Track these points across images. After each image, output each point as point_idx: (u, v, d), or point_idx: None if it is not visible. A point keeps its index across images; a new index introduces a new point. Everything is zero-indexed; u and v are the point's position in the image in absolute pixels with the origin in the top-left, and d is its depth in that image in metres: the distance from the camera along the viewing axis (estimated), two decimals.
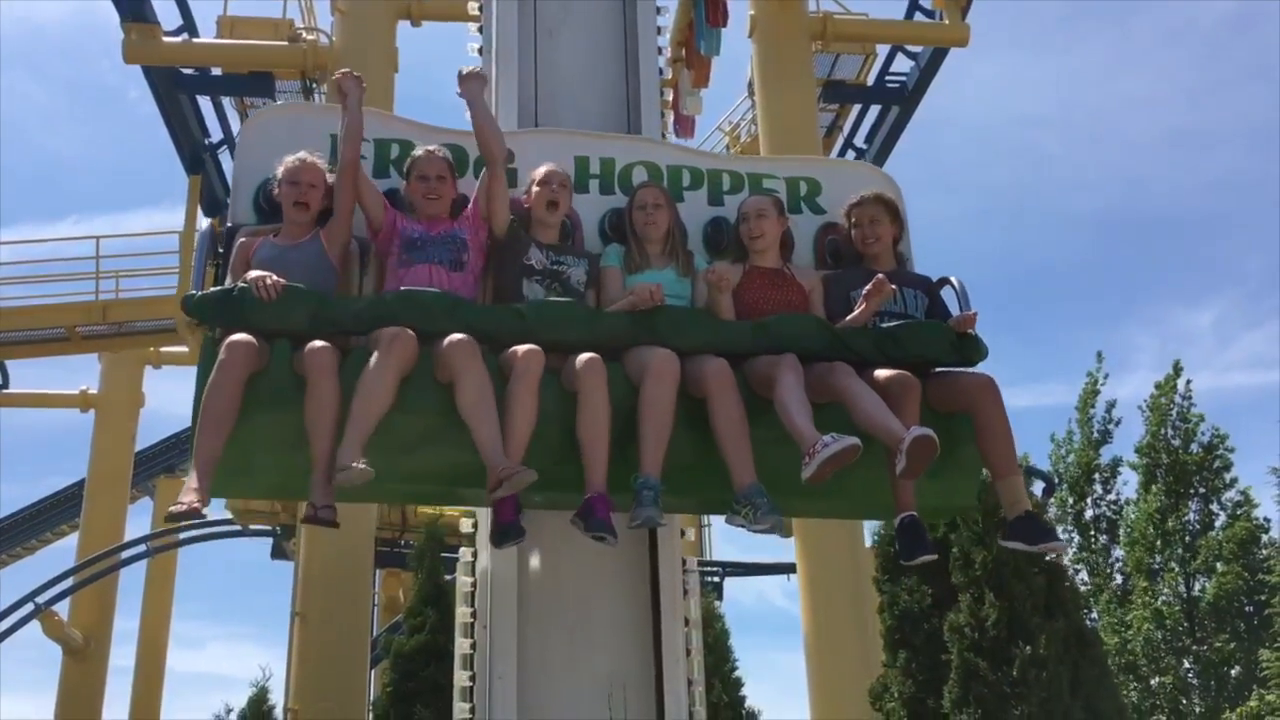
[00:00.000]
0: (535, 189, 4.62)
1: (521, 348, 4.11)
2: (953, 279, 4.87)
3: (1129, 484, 18.94)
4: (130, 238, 18.09)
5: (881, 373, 4.28)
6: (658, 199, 4.72)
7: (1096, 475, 19.07)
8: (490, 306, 4.46)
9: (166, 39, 13.03)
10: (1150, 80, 59.31)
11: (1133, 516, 18.40)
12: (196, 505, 3.79)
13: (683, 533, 4.97)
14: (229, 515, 17.72)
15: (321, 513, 3.96)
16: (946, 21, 14.15)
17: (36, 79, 60.67)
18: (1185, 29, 56.73)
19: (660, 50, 5.67)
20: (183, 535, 19.70)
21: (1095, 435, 19.12)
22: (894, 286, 4.63)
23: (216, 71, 13.86)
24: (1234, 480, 17.80)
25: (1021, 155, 63.17)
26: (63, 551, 22.10)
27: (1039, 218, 61.28)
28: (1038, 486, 17.64)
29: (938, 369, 4.53)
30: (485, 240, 4.57)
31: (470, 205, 4.59)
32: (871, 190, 4.97)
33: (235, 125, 14.82)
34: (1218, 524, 17.80)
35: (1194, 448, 18.15)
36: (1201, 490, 18.05)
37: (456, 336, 4.06)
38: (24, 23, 56.41)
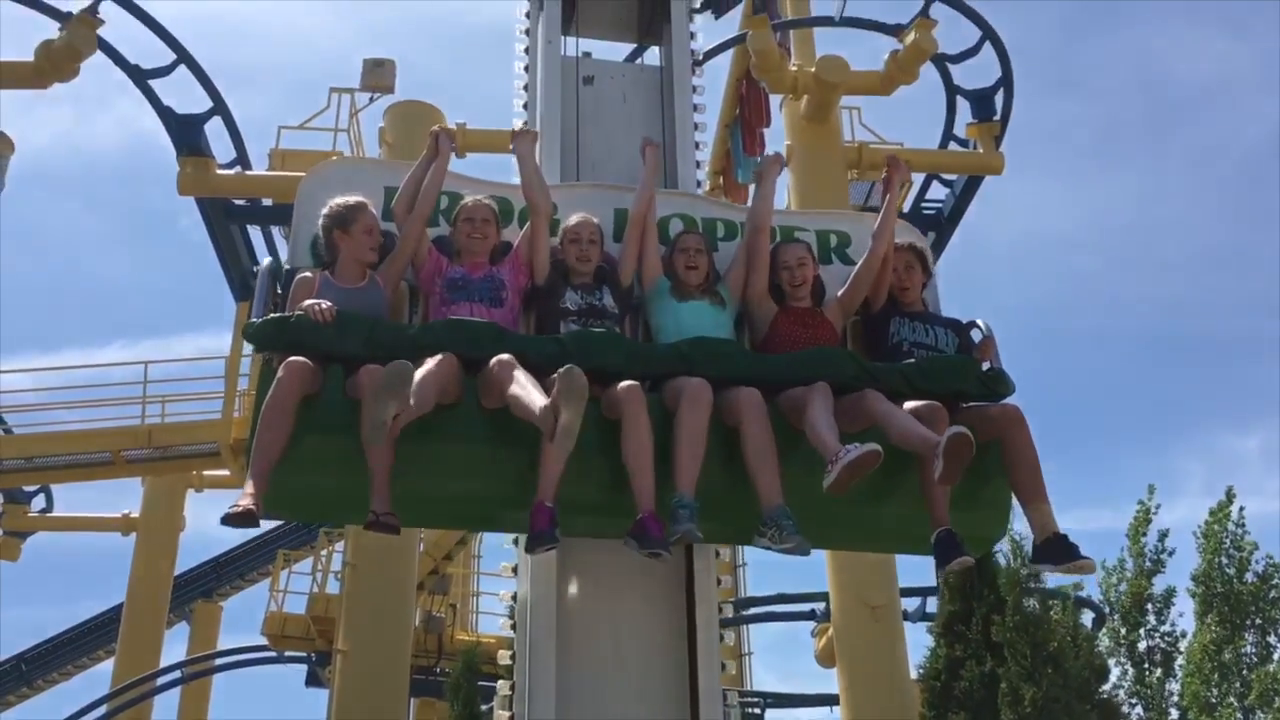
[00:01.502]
0: (568, 245, 4.93)
1: (561, 371, 4.16)
2: (980, 321, 5.12)
3: (1184, 615, 18.46)
4: (177, 363, 18.48)
5: (910, 404, 4.42)
6: (699, 245, 5.03)
7: (1149, 605, 18.59)
8: (532, 336, 4.72)
9: (220, 171, 13.46)
10: (1186, 202, 59.61)
11: (1188, 647, 17.88)
12: (252, 508, 3.96)
13: (723, 666, 4.87)
14: (264, 641, 17.58)
15: (384, 518, 4.12)
16: (981, 150, 14.35)
17: (89, 206, 62.71)
18: (1220, 151, 57.19)
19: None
20: (218, 662, 19.57)
21: (1148, 565, 18.71)
22: (907, 164, 5.20)
23: (267, 202, 14.29)
24: None
25: (1059, 278, 63.30)
26: (99, 677, 21.98)
27: (1079, 340, 61.07)
28: (1088, 617, 17.20)
29: (966, 405, 4.65)
30: (525, 285, 4.88)
31: (513, 251, 4.92)
32: (905, 239, 5.26)
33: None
34: (1276, 656, 17.25)
35: (1249, 577, 17.71)
36: (1258, 621, 17.54)
37: (501, 356, 4.25)
38: (78, 151, 58.59)
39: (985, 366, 4.86)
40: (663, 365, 4.55)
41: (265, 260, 4.90)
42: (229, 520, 3.99)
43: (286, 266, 4.86)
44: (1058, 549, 4.30)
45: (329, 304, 4.35)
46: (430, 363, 4.19)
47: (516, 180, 5.06)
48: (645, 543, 4.08)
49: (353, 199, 4.78)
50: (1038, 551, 4.38)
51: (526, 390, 4.09)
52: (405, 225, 4.83)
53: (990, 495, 4.60)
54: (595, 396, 4.29)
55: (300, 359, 4.21)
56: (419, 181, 4.90)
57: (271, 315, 4.48)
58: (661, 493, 4.18)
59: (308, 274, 4.67)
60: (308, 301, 4.38)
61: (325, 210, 4.76)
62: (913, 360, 4.76)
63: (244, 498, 4.00)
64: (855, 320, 5.18)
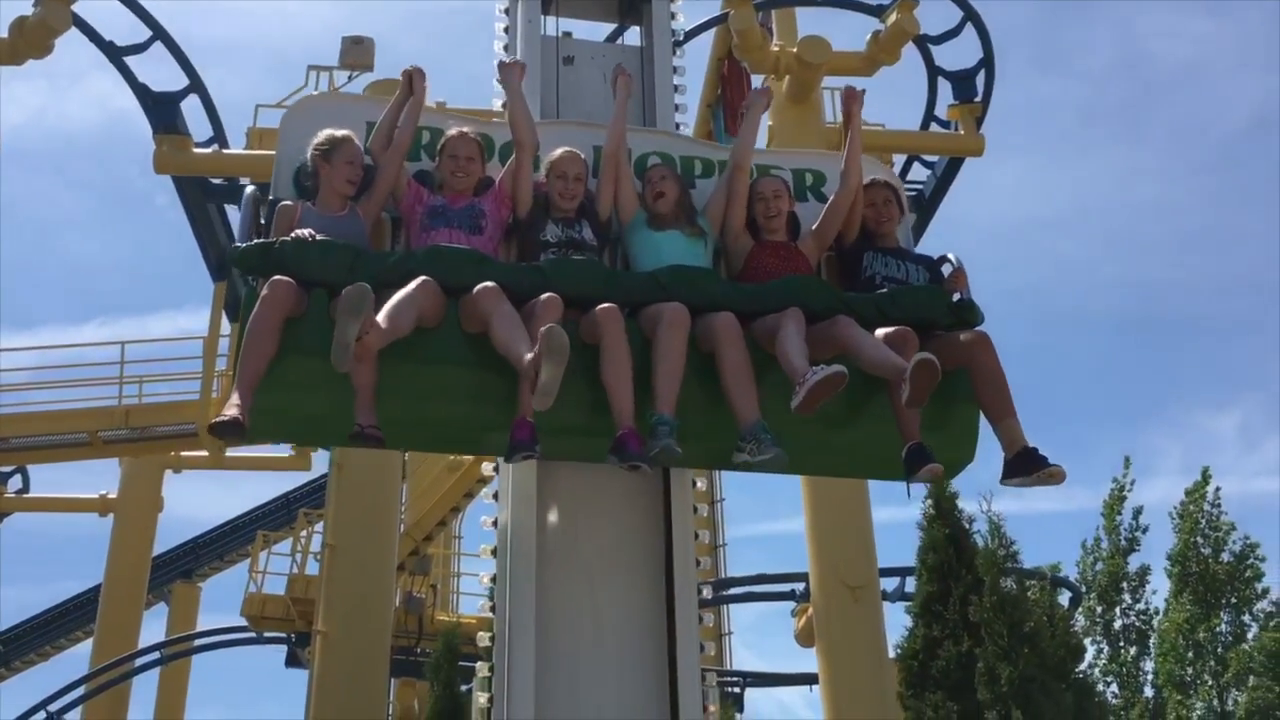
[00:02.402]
0: (554, 179, 5.00)
1: (541, 296, 4.37)
2: (951, 255, 5.21)
3: (1158, 593, 18.62)
4: (154, 343, 18.39)
5: (881, 330, 4.54)
6: (663, 174, 5.13)
7: (1125, 584, 18.75)
8: (513, 264, 4.80)
9: (197, 150, 13.32)
10: (1165, 184, 59.89)
11: (1162, 626, 18.04)
12: (239, 418, 4.03)
13: (701, 647, 4.89)
14: (243, 622, 17.53)
15: (368, 430, 4.23)
16: (962, 132, 14.33)
17: (66, 184, 62.12)
18: (1200, 134, 57.42)
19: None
20: (197, 643, 19.50)
21: (1123, 543, 18.85)
22: (862, 90, 5.39)
23: (245, 181, 14.16)
24: (1266, 590, 17.48)
25: (1039, 259, 63.57)
26: (77, 658, 21.91)
27: (1058, 321, 61.37)
28: (1064, 596, 17.32)
29: (937, 332, 4.76)
30: (506, 216, 4.97)
31: (496, 184, 5.00)
32: (882, 176, 5.42)
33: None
34: (1250, 635, 17.42)
35: (1225, 556, 17.87)
36: (1233, 600, 17.71)
37: (484, 284, 4.36)
38: (55, 130, 57.94)
39: (956, 297, 4.98)
40: (640, 293, 4.64)
41: (249, 188, 4.99)
42: (216, 429, 4.08)
43: (270, 197, 4.93)
44: (1027, 461, 4.41)
45: (310, 230, 4.48)
46: (410, 285, 4.29)
47: (495, 116, 5.15)
48: (625, 456, 4.21)
49: (340, 132, 4.89)
50: (1008, 466, 4.48)
51: (510, 333, 4.19)
52: (383, 160, 4.93)
53: (959, 420, 4.73)
54: (574, 321, 4.42)
55: (284, 278, 4.29)
56: (395, 119, 5.01)
57: (256, 240, 4.55)
58: (642, 416, 4.29)
59: (288, 203, 4.77)
60: (296, 232, 4.50)
61: (315, 141, 4.88)
62: (884, 290, 4.89)
63: (230, 408, 4.07)
64: (830, 255, 5.30)
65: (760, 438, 4.21)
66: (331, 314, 4.27)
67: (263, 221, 4.82)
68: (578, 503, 5.00)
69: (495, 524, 5.12)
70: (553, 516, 4.96)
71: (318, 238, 4.46)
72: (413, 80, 5.05)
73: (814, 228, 5.22)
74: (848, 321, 4.55)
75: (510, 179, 4.97)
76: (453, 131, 5.05)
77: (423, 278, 4.34)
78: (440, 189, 4.96)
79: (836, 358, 4.33)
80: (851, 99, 5.42)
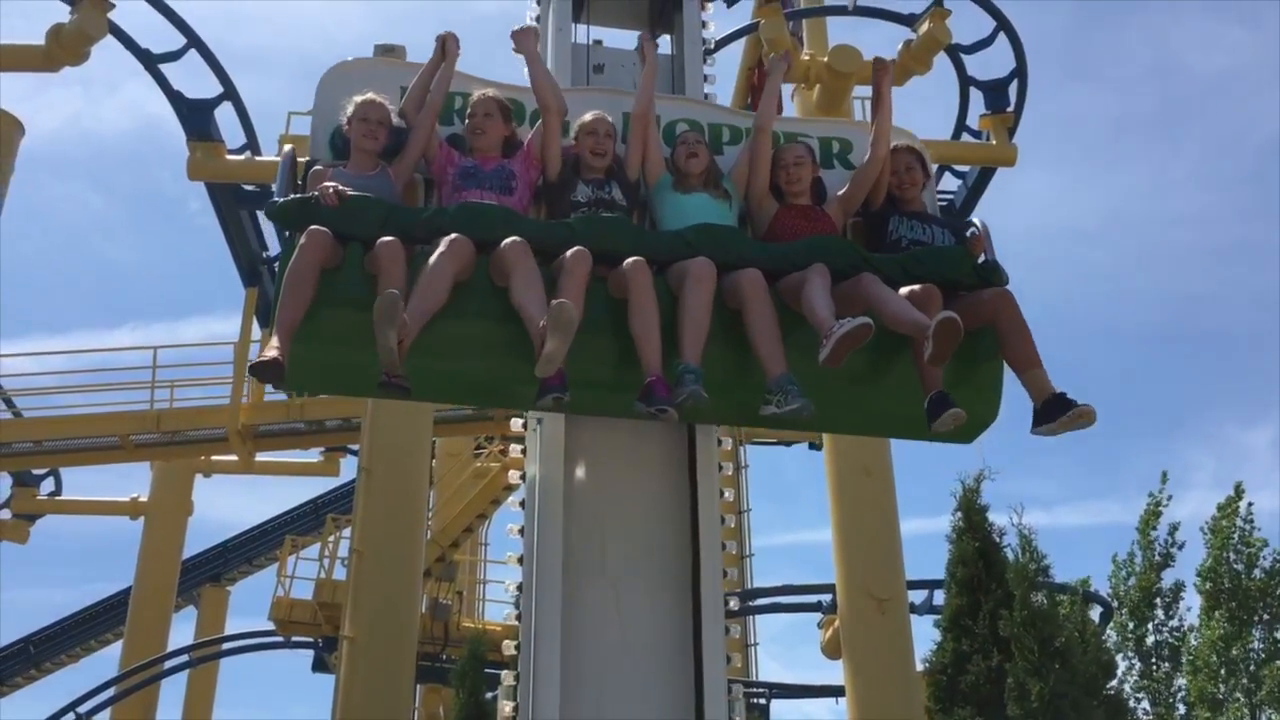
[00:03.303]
0: (584, 137, 5.08)
1: (570, 250, 4.43)
2: (976, 221, 5.26)
3: (1192, 609, 18.39)
4: (185, 348, 18.53)
5: (905, 289, 4.56)
6: (699, 139, 5.21)
7: (1158, 600, 18.51)
8: (542, 221, 4.89)
9: (230, 156, 13.43)
10: (1198, 195, 59.34)
11: (1195, 643, 17.82)
12: (279, 359, 4.15)
13: (728, 659, 4.86)
14: (271, 626, 17.62)
15: (395, 380, 4.22)
16: (994, 142, 14.23)
17: (98, 189, 62.81)
18: (1232, 146, 56.87)
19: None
20: (226, 646, 19.62)
21: (1157, 558, 18.61)
22: (892, 60, 5.16)
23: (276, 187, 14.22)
24: None
25: (1070, 270, 63.08)
26: (106, 660, 22.07)
27: (1088, 333, 60.85)
28: (1095, 612, 17.13)
29: (961, 293, 4.77)
30: (536, 179, 5.06)
31: (526, 146, 5.09)
32: (904, 141, 5.42)
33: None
34: None
35: (1257, 573, 17.64)
36: (1265, 617, 17.48)
37: (511, 239, 4.45)
38: (88, 134, 58.60)
39: (981, 259, 5.00)
40: (668, 250, 4.69)
41: (287, 148, 5.10)
42: (257, 369, 4.20)
43: (305, 159, 5.03)
44: (1056, 407, 4.43)
45: (338, 186, 4.54)
46: (440, 248, 4.36)
47: (525, 81, 5.18)
48: (652, 401, 4.25)
49: (362, 95, 5.00)
50: (1038, 415, 4.50)
51: (527, 294, 4.29)
52: (415, 122, 5.02)
53: (983, 378, 4.75)
54: (602, 277, 4.51)
55: (321, 228, 4.39)
56: (428, 81, 5.10)
57: (293, 196, 4.65)
58: (669, 368, 4.33)
59: (320, 167, 4.89)
60: (323, 184, 4.59)
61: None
62: (909, 251, 4.92)
63: (270, 350, 4.18)
64: (855, 220, 5.33)
65: (787, 389, 4.25)
66: (367, 266, 4.39)
67: (300, 182, 4.92)
68: (603, 502, 5.01)
69: (521, 532, 5.11)
70: (578, 515, 4.94)
71: (337, 187, 4.54)
72: (445, 45, 5.15)
73: (840, 194, 5.28)
74: (872, 279, 4.57)
75: (539, 141, 5.05)
76: (474, 95, 5.15)
77: (453, 235, 4.42)
78: (471, 152, 5.05)
79: (861, 314, 4.35)
80: (881, 70, 5.49)
